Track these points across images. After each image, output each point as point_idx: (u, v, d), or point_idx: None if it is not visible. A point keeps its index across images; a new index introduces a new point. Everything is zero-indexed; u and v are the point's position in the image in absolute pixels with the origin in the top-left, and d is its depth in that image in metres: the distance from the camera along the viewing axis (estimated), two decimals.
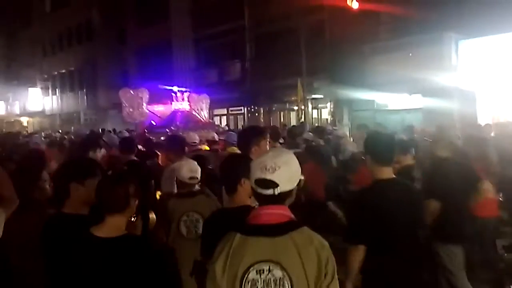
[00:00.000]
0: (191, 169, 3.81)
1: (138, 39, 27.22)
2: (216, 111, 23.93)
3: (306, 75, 14.62)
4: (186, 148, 5.78)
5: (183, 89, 15.17)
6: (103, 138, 7.89)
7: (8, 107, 43.91)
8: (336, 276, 1.90)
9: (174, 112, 14.94)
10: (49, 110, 37.38)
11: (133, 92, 16.02)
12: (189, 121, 13.68)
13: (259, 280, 1.84)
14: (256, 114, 20.75)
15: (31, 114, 40.03)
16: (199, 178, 3.87)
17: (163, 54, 25.13)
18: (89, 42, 31.84)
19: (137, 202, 2.47)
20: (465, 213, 4.28)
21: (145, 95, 15.42)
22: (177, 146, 5.22)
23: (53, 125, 33.70)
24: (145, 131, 12.92)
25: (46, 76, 38.16)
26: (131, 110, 15.18)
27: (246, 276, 1.86)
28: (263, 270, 1.85)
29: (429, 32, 12.94)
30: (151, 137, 9.13)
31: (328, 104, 17.37)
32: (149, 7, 26.04)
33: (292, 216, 1.96)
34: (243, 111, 21.95)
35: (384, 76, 13.40)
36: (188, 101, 15.55)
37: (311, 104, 17.64)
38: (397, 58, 13.43)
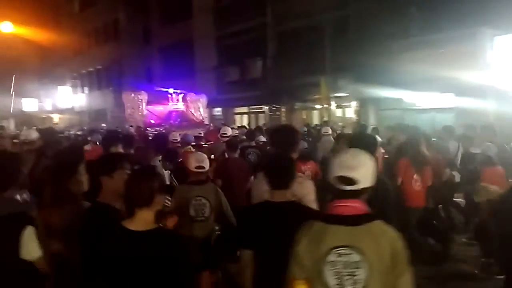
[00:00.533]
0: (197, 160, 4.45)
1: (162, 38, 27.59)
2: (237, 110, 23.76)
3: (330, 72, 14.10)
4: None
5: (178, 91, 17.26)
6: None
7: (40, 104, 45.02)
8: (409, 268, 2.13)
9: (170, 112, 16.75)
10: (78, 107, 38.20)
11: (134, 95, 17.32)
12: (183, 119, 15.43)
13: (339, 261, 2.12)
14: (278, 113, 20.25)
15: (61, 111, 41.01)
16: (206, 167, 4.48)
17: (186, 52, 25.26)
18: (116, 42, 32.46)
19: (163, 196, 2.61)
20: None
21: (144, 97, 16.60)
22: (160, 143, 6.07)
23: (82, 122, 34.26)
24: (140, 128, 14.26)
25: (75, 74, 39.20)
26: (132, 110, 16.34)
27: (327, 257, 2.14)
28: (343, 254, 2.12)
29: (462, 28, 12.21)
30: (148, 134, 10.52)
31: (353, 103, 16.70)
32: (173, 7, 26.35)
33: (367, 209, 2.23)
34: (264, 109, 21.49)
35: (414, 74, 12.76)
36: (184, 101, 17.39)
37: (335, 102, 17.01)
38: (427, 55, 12.84)
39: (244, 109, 23.27)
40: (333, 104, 16.55)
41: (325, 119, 15.09)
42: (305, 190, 3.29)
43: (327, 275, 2.14)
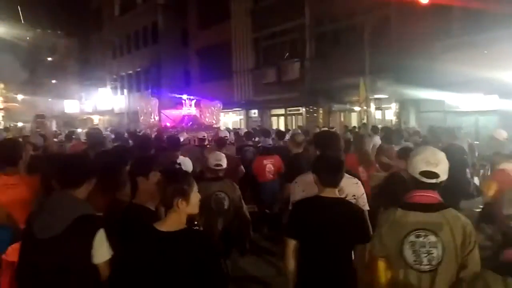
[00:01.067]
0: (216, 159, 4.86)
1: (200, 40, 27.77)
2: (274, 111, 23.68)
3: (370, 74, 13.88)
4: None
5: (191, 97, 18.58)
6: None
7: (81, 105, 46.23)
8: (477, 245, 2.52)
9: (183, 116, 17.91)
10: (118, 108, 38.82)
11: (146, 101, 19.15)
12: (194, 123, 16.59)
13: (417, 242, 2.54)
14: (315, 115, 20.11)
15: (101, 113, 41.91)
16: (223, 165, 4.85)
17: (223, 54, 25.37)
18: (154, 44, 32.94)
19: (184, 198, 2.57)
20: None
21: (155, 103, 18.15)
22: (172, 143, 6.55)
23: (121, 123, 34.94)
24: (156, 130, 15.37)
25: (115, 76, 39.83)
26: (145, 112, 17.73)
27: (407, 238, 2.55)
28: (421, 235, 2.53)
29: (506, 28, 11.92)
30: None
31: (393, 105, 16.43)
32: (211, 9, 26.46)
33: (441, 199, 2.63)
34: (301, 111, 21.37)
35: (456, 75, 12.40)
36: (198, 106, 18.61)
37: (374, 104, 16.78)
38: (470, 56, 12.53)
39: (281, 111, 23.19)
40: (372, 106, 16.34)
41: (364, 121, 14.91)
42: (360, 191, 3.67)
43: (406, 254, 2.56)
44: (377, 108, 17.31)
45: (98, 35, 42.13)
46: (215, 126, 16.21)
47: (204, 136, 9.85)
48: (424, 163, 2.60)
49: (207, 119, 18.18)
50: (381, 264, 2.66)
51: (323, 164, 3.24)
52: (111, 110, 39.51)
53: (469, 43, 13.03)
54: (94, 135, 7.14)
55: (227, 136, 9.01)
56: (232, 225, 4.75)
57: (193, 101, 19.67)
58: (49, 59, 52.41)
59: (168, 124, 18.32)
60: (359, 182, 3.72)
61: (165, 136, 9.03)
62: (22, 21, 31.26)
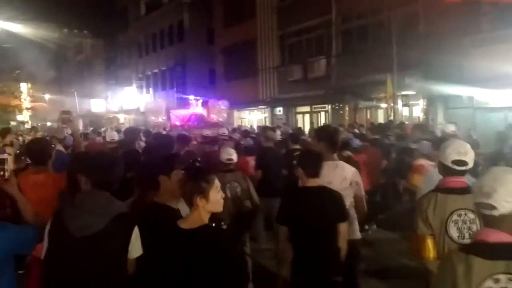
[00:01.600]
0: (228, 153, 5.63)
1: (225, 38, 27.82)
2: (299, 109, 23.64)
3: (397, 70, 13.79)
4: None
5: (198, 97, 20.92)
6: None
7: (107, 105, 46.85)
8: None
9: (190, 115, 19.69)
10: (143, 107, 39.09)
11: (155, 103, 22.15)
12: (200, 121, 17.90)
13: (460, 220, 3.00)
14: (341, 112, 20.06)
15: (127, 112, 42.28)
16: (234, 159, 5.63)
17: (248, 52, 25.43)
18: (180, 43, 33.11)
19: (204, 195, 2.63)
20: None
21: (163, 105, 20.71)
22: (181, 141, 7.13)
23: (146, 122, 35.31)
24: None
25: (140, 75, 40.17)
26: (155, 115, 19.77)
27: (450, 217, 3.00)
28: (462, 214, 3.00)
29: None
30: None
31: (421, 101, 16.28)
32: (236, 7, 26.50)
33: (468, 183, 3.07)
34: (327, 108, 21.30)
35: (485, 70, 12.26)
36: (205, 106, 20.82)
37: (401, 101, 16.65)
38: (500, 51, 12.31)
39: (306, 109, 23.12)
40: (399, 103, 16.23)
41: (391, 118, 14.83)
42: (360, 179, 4.33)
43: (451, 230, 3.00)
44: (404, 105, 17.16)
45: (124, 34, 42.61)
46: (220, 124, 16.77)
47: (208, 134, 10.40)
48: (456, 153, 3.09)
49: (214, 117, 19.96)
50: (430, 241, 3.04)
51: (307, 159, 3.83)
52: (137, 109, 39.94)
53: (498, 38, 12.81)
54: (128, 133, 7.40)
55: (224, 133, 9.89)
56: (242, 210, 5.44)
57: (200, 101, 22.49)
58: (76, 58, 53.36)
59: (177, 123, 20.07)
60: (343, 164, 4.34)
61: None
62: (49, 22, 31.91)
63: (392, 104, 14.48)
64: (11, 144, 8.92)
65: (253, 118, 27.54)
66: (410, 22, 15.51)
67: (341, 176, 4.15)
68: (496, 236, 1.95)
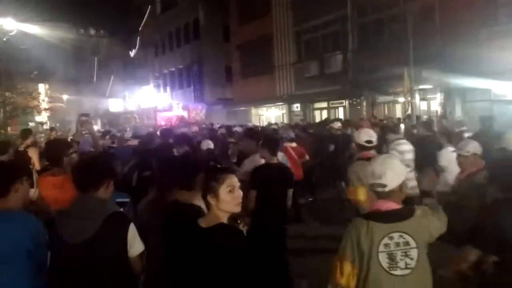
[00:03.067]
0: (207, 144, 6.79)
1: (241, 35, 27.85)
2: (316, 105, 23.64)
3: (414, 64, 13.70)
4: None
5: (178, 101, 26.99)
6: None
7: (125, 104, 47.26)
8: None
9: (173, 117, 23.71)
10: (161, 106, 39.28)
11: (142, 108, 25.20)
12: (181, 122, 20.43)
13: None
14: (359, 107, 20.05)
15: (145, 111, 42.59)
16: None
17: (264, 49, 25.46)
18: (196, 41, 33.18)
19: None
20: None
21: (149, 108, 24.57)
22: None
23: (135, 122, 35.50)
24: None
25: (157, 74, 40.36)
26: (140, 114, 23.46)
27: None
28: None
29: None
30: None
31: (438, 95, 16.20)
32: (252, 3, 26.51)
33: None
34: (344, 104, 21.30)
35: (503, 63, 12.21)
36: (186, 109, 26.27)
37: (419, 95, 16.59)
38: None
39: (324, 104, 23.11)
40: (417, 97, 16.17)
41: (408, 112, 14.78)
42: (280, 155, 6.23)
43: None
44: (422, 99, 17.09)
45: (140, 33, 42.94)
46: (195, 123, 19.48)
47: (196, 130, 13.05)
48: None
49: (193, 117, 25.12)
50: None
51: (271, 142, 5.39)
52: (154, 107, 40.26)
53: None
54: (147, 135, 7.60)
55: (196, 130, 12.24)
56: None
57: (180, 105, 29.05)
58: (93, 58, 53.90)
59: (162, 123, 23.53)
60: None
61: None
62: (66, 23, 32.29)
63: (409, 98, 14.42)
64: (34, 145, 9.14)
65: (271, 115, 27.60)
66: (426, 15, 15.41)
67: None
68: (387, 206, 2.65)
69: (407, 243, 2.56)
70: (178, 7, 35.18)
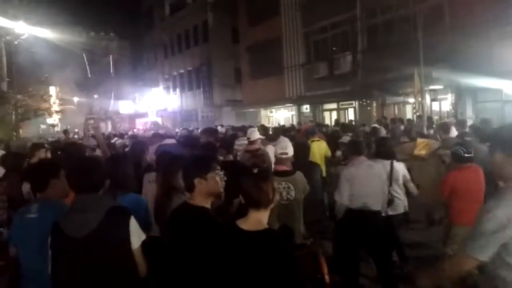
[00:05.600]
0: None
1: (250, 37, 27.88)
2: (326, 106, 23.62)
3: (424, 64, 13.62)
4: None
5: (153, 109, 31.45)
6: None
7: (135, 106, 47.50)
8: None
9: (147, 122, 27.36)
10: (171, 108, 39.63)
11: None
12: (155, 126, 21.31)
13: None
14: (368, 108, 19.97)
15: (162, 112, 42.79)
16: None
17: (274, 50, 25.46)
18: (205, 43, 33.27)
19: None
20: None
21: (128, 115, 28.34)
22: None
23: (174, 122, 35.75)
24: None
25: (167, 76, 40.46)
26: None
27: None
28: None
29: None
30: None
31: (449, 96, 16.10)
32: (261, 5, 26.54)
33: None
34: (354, 105, 21.24)
35: None
36: (161, 116, 31.89)
37: (430, 95, 16.50)
38: None
39: (333, 106, 23.08)
40: (427, 98, 16.08)
41: (419, 113, 14.69)
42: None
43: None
44: (433, 100, 17.00)
45: (150, 35, 43.16)
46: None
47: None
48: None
49: (166, 124, 29.02)
50: None
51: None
52: (164, 109, 40.44)
53: None
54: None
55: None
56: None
57: (154, 111, 35.79)
58: (103, 61, 54.27)
59: (140, 127, 27.21)
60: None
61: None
62: (76, 26, 32.59)
63: (420, 99, 14.33)
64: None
65: (280, 116, 27.62)
66: (436, 15, 15.32)
67: None
68: (282, 168, 4.72)
69: (289, 187, 4.52)
70: (187, 9, 35.33)
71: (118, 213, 2.84)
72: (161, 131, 14.27)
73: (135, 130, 25.66)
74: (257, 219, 2.64)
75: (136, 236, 2.84)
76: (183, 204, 3.09)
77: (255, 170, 3.20)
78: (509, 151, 2.48)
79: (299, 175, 4.68)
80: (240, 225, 2.64)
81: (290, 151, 4.80)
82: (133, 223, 2.84)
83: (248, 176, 2.82)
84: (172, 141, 8.14)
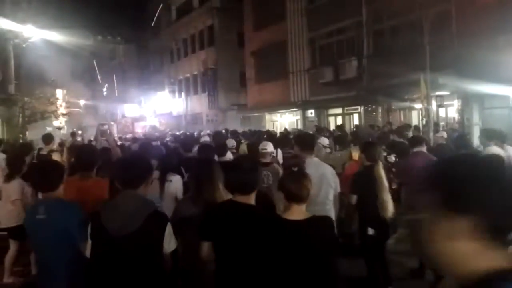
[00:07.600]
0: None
1: (256, 41, 27.97)
2: (331, 111, 23.57)
3: (430, 70, 13.58)
4: None
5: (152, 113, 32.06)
6: None
7: (141, 109, 47.68)
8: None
9: (146, 125, 29.85)
10: (176, 111, 39.75)
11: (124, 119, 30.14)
12: (153, 129, 24.65)
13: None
14: (374, 114, 19.93)
15: (160, 116, 42.94)
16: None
17: (279, 55, 25.47)
18: (211, 47, 33.43)
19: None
20: None
21: (129, 120, 29.88)
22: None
23: (179, 125, 35.85)
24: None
25: (172, 80, 40.64)
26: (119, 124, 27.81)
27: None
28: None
29: None
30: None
31: (455, 102, 16.05)
32: (266, 10, 26.61)
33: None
34: (359, 110, 21.20)
35: None
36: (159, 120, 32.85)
37: (436, 101, 16.45)
38: None
39: (338, 111, 23.04)
40: (434, 103, 16.02)
41: (425, 119, 14.64)
42: None
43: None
44: (439, 106, 16.94)
45: (156, 39, 43.35)
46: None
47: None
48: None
49: (162, 127, 29.92)
50: None
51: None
52: (170, 113, 40.57)
53: None
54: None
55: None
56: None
57: (152, 115, 36.85)
58: (109, 64, 54.49)
59: (139, 131, 29.16)
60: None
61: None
62: (83, 29, 32.78)
63: (426, 105, 14.28)
64: (59, 150, 9.29)
65: (285, 120, 27.59)
66: (443, 21, 15.28)
67: None
68: (265, 160, 6.30)
69: (268, 175, 5.84)
70: (193, 14, 35.52)
71: (158, 219, 2.98)
72: (157, 134, 15.16)
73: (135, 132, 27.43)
74: (300, 210, 2.97)
75: (170, 242, 3.02)
76: (230, 201, 3.21)
77: (295, 169, 3.68)
78: None
79: (276, 166, 6.33)
80: (286, 216, 2.95)
81: (270, 148, 6.57)
82: (169, 230, 3.00)
83: (290, 174, 3.25)
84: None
